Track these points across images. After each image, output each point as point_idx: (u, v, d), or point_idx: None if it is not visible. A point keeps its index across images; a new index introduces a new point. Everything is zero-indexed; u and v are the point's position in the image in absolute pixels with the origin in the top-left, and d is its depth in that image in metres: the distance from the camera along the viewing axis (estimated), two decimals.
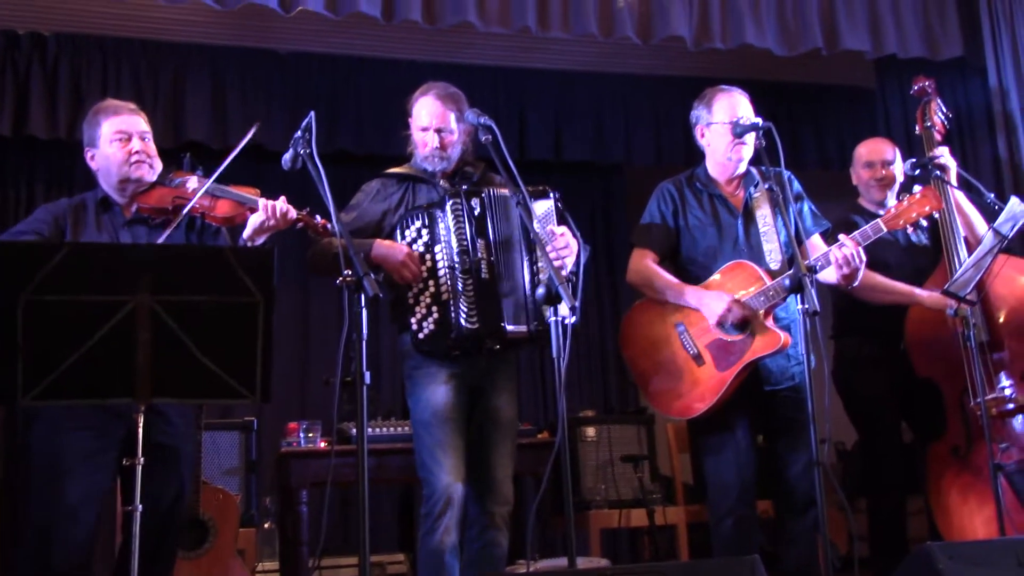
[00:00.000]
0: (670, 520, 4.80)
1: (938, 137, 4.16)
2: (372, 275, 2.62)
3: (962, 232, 3.91)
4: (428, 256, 3.25)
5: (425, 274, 3.24)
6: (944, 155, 4.04)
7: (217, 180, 3.11)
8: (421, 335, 3.23)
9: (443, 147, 3.39)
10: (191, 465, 3.40)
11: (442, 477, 3.17)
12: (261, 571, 4.71)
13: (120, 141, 3.16)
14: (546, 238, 3.17)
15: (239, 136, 5.60)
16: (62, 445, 2.96)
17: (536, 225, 3.19)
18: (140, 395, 2.37)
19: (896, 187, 4.14)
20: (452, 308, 3.18)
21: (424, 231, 3.27)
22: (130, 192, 3.18)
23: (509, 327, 3.20)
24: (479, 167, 3.52)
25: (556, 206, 3.34)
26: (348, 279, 2.57)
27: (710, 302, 3.45)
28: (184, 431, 3.20)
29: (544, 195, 3.34)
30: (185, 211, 3.04)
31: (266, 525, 5.02)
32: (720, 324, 3.42)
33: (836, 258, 3.33)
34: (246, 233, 3.11)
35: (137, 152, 3.16)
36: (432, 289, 3.22)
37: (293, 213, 3.10)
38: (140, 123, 3.23)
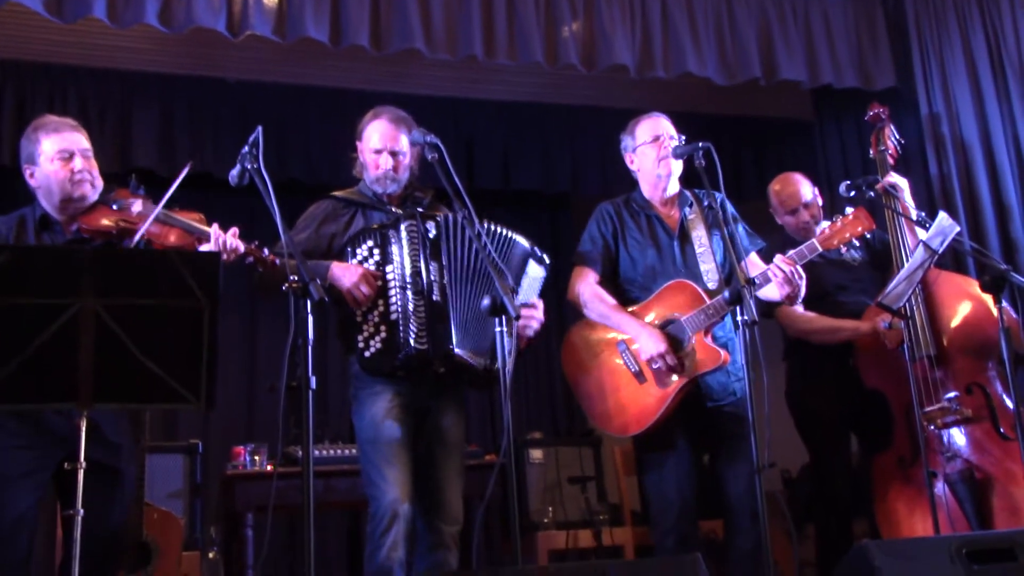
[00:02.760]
0: (617, 541, 4.83)
1: (891, 161, 4.29)
2: (318, 281, 2.64)
3: (912, 249, 4.02)
4: (379, 274, 3.26)
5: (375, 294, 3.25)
6: (894, 176, 4.17)
7: (164, 206, 3.08)
8: (367, 353, 3.23)
9: (396, 169, 3.44)
10: (132, 487, 3.36)
11: (388, 492, 3.16)
12: None
13: (62, 160, 3.11)
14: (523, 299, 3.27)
15: (187, 163, 5.67)
16: None
17: (526, 283, 3.29)
18: (83, 400, 2.36)
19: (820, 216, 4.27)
20: (401, 328, 3.19)
21: (376, 251, 3.29)
22: (71, 211, 3.13)
23: (457, 351, 3.22)
24: (428, 193, 3.56)
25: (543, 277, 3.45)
26: (294, 284, 2.59)
27: (646, 341, 3.50)
28: (126, 452, 3.16)
29: (542, 263, 3.46)
30: (136, 238, 3.01)
31: (211, 555, 4.95)
32: (650, 362, 3.48)
33: (777, 276, 3.41)
34: None
35: (80, 171, 3.11)
36: (381, 308, 3.24)
37: (242, 247, 3.10)
38: (82, 140, 3.18)
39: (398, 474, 3.20)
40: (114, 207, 3.14)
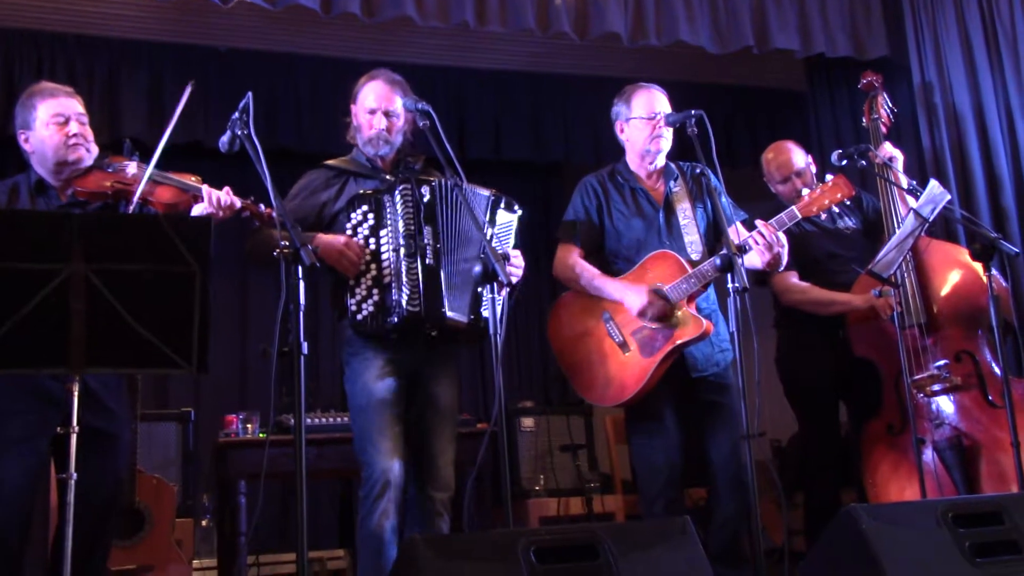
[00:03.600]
0: (608, 508, 4.86)
1: (884, 130, 4.31)
2: (309, 246, 2.63)
3: (903, 217, 4.03)
4: (373, 240, 3.25)
5: (368, 258, 3.24)
6: (889, 148, 4.18)
7: (156, 166, 3.09)
8: (360, 316, 3.23)
9: (389, 131, 3.42)
10: (128, 453, 3.37)
11: (380, 459, 3.17)
12: (199, 568, 4.67)
13: (57, 124, 3.13)
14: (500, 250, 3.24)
15: (176, 132, 5.58)
16: None
17: (491, 230, 3.27)
18: (75, 365, 2.36)
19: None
20: (394, 291, 3.19)
21: (371, 215, 3.27)
22: (66, 175, 3.14)
23: (449, 314, 3.22)
24: (420, 159, 3.54)
25: (518, 225, 3.43)
26: (285, 250, 2.59)
27: (631, 296, 3.52)
28: (122, 418, 3.17)
29: (511, 208, 3.41)
30: (135, 199, 3.01)
31: (203, 522, 4.99)
32: (641, 315, 3.50)
33: (758, 243, 3.42)
34: None
35: (75, 135, 3.13)
36: (374, 272, 3.23)
37: (238, 203, 3.10)
38: (77, 106, 3.20)
39: (390, 441, 3.21)
40: (109, 170, 3.15)
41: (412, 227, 3.23)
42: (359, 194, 3.34)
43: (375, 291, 3.23)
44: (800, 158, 4.29)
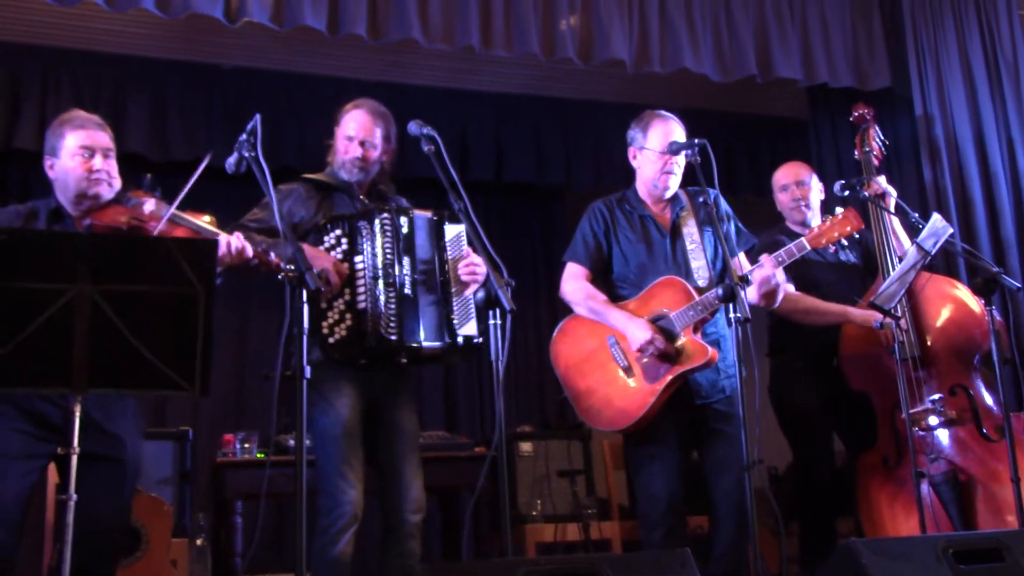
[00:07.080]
0: (605, 535, 4.84)
1: (876, 162, 4.33)
2: (315, 270, 2.64)
3: (898, 253, 4.06)
4: (346, 264, 3.29)
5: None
6: (883, 183, 4.19)
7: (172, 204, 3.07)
8: (331, 340, 3.26)
9: (364, 160, 3.48)
10: (133, 478, 3.32)
11: (349, 492, 3.22)
12: None
13: (83, 157, 3.10)
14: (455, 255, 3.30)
15: (180, 149, 5.64)
16: None
17: (449, 245, 3.35)
18: (77, 386, 2.36)
19: (817, 208, 4.29)
20: (369, 318, 3.22)
21: (344, 240, 3.32)
22: (85, 207, 3.12)
23: (426, 344, 3.27)
24: (391, 188, 3.62)
25: (466, 233, 3.44)
26: (291, 274, 2.59)
27: (635, 331, 3.51)
28: (125, 443, 3.08)
29: (456, 220, 3.44)
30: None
31: (198, 542, 4.96)
32: (641, 352, 3.49)
33: (755, 279, 3.43)
34: None
35: (99, 170, 3.10)
36: (347, 297, 3.26)
37: (250, 250, 3.10)
38: (105, 139, 3.18)
39: (359, 474, 3.26)
40: (128, 205, 3.13)
41: (391, 256, 3.28)
42: (335, 216, 3.39)
43: (348, 316, 3.26)
44: (805, 173, 4.33)
